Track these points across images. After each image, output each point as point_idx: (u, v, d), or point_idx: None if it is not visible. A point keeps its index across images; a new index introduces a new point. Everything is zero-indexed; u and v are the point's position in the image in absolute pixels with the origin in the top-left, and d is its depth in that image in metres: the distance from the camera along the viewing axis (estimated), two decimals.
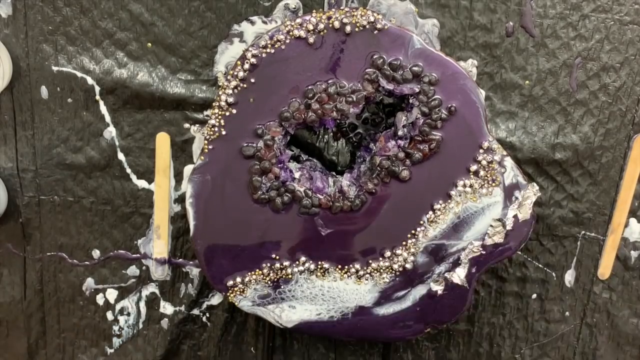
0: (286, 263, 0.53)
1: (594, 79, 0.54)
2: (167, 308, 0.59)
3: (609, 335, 0.61)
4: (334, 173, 0.54)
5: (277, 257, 0.53)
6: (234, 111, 0.49)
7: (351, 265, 0.53)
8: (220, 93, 0.50)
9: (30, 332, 0.59)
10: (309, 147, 0.56)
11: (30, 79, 0.53)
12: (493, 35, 0.53)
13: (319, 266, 0.53)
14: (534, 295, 0.59)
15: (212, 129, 0.50)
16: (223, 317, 0.59)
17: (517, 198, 0.51)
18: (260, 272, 0.53)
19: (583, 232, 0.58)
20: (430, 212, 0.51)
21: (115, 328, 0.59)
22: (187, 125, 0.55)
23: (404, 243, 0.52)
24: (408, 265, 0.53)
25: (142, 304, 0.59)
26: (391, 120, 0.53)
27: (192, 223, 0.52)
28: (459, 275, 0.53)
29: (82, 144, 0.55)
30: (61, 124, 0.54)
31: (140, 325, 0.59)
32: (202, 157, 0.51)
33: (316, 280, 0.53)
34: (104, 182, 0.56)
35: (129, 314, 0.59)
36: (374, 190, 0.51)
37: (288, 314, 0.54)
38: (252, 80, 0.49)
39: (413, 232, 0.52)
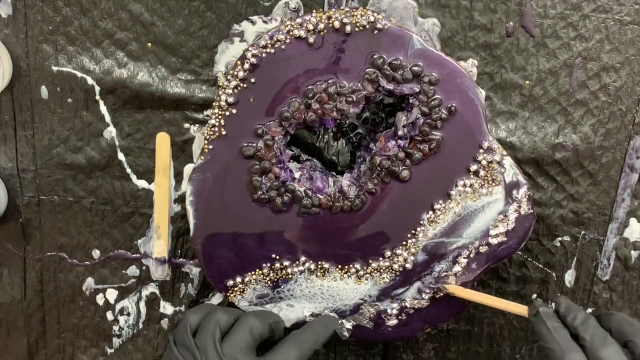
0: (286, 263, 0.53)
1: (594, 79, 0.54)
2: (167, 308, 0.59)
3: None
4: (334, 173, 0.54)
5: (277, 257, 0.53)
6: (234, 111, 0.49)
7: (351, 265, 0.53)
8: (220, 93, 0.50)
9: (30, 332, 0.59)
10: (309, 147, 0.56)
11: (30, 79, 0.53)
12: (493, 35, 0.53)
13: (319, 266, 0.53)
14: (534, 295, 0.59)
15: (212, 129, 0.50)
16: None
17: (516, 197, 0.51)
18: (260, 272, 0.53)
19: (583, 232, 0.58)
20: (431, 212, 0.51)
21: (115, 328, 0.59)
22: (187, 125, 0.55)
23: (404, 243, 0.52)
24: (408, 265, 0.53)
25: (142, 304, 0.59)
26: (391, 120, 0.53)
27: (192, 223, 0.52)
28: (454, 277, 0.53)
29: (82, 144, 0.55)
30: (61, 124, 0.54)
31: (140, 325, 0.59)
32: (202, 157, 0.51)
33: (316, 280, 0.53)
34: (104, 182, 0.56)
35: (129, 314, 0.59)
36: (374, 190, 0.51)
37: (286, 313, 0.54)
38: (252, 80, 0.49)
39: (413, 231, 0.52)
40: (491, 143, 0.50)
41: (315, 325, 0.51)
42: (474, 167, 0.51)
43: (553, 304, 0.51)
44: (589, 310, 0.60)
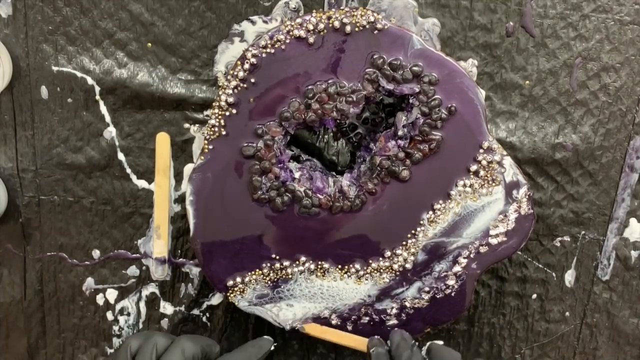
0: (286, 263, 0.53)
1: (594, 79, 0.54)
2: (167, 308, 0.59)
3: (609, 335, 0.61)
4: (334, 173, 0.54)
5: (277, 257, 0.53)
6: (234, 111, 0.50)
7: (351, 265, 0.53)
8: (220, 93, 0.50)
9: (30, 332, 0.59)
10: (309, 147, 0.56)
11: (30, 79, 0.53)
12: (493, 35, 0.53)
13: (319, 266, 0.53)
14: (534, 295, 0.59)
15: (212, 129, 0.50)
16: (223, 317, 0.59)
17: (516, 197, 0.51)
18: (260, 272, 0.53)
19: (583, 232, 0.58)
20: (431, 212, 0.51)
21: (115, 328, 0.59)
22: (187, 125, 0.55)
23: (404, 243, 0.52)
24: (408, 265, 0.53)
25: (142, 304, 0.59)
26: (391, 120, 0.53)
27: (192, 223, 0.52)
28: (455, 276, 0.53)
29: (82, 144, 0.55)
30: (61, 124, 0.54)
31: (140, 325, 0.59)
32: (202, 157, 0.51)
33: (316, 280, 0.53)
34: (104, 182, 0.56)
35: (129, 314, 0.59)
36: (374, 190, 0.51)
37: (285, 313, 0.54)
38: (252, 80, 0.49)
39: (413, 232, 0.52)
40: (491, 143, 0.50)
41: (247, 346, 0.52)
42: (474, 167, 0.51)
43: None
44: (427, 344, 0.60)
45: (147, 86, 0.53)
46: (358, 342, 0.55)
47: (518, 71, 0.54)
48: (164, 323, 0.59)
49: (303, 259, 0.53)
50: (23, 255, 0.57)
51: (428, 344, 0.54)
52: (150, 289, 0.58)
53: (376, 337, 0.54)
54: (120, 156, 0.55)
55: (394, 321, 0.55)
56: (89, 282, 0.58)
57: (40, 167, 0.55)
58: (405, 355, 0.50)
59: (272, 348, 0.53)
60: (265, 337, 0.54)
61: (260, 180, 0.50)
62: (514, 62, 0.53)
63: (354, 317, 0.55)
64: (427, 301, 0.54)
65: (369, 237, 0.52)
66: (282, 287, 0.54)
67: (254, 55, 0.48)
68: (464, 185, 0.51)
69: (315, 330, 0.55)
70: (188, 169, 0.55)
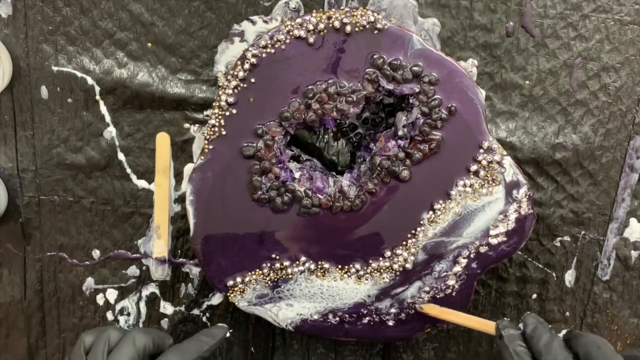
0: (286, 263, 0.53)
1: (594, 79, 0.54)
2: (167, 308, 0.59)
3: (609, 335, 0.61)
4: (334, 173, 0.54)
5: (277, 257, 0.53)
6: (234, 111, 0.49)
7: (351, 265, 0.53)
8: (220, 93, 0.50)
9: (30, 332, 0.59)
10: (309, 147, 0.56)
11: (30, 79, 0.53)
12: (493, 35, 0.53)
13: (319, 266, 0.53)
14: (534, 295, 0.59)
15: (212, 129, 0.50)
16: (223, 317, 0.59)
17: (516, 197, 0.51)
18: (260, 272, 0.53)
19: (583, 232, 0.58)
20: (431, 212, 0.51)
21: None
22: (187, 125, 0.55)
23: (404, 243, 0.52)
24: (408, 265, 0.53)
25: (142, 304, 0.59)
26: (391, 120, 0.53)
27: (192, 223, 0.52)
28: (455, 276, 0.53)
29: (82, 144, 0.55)
30: (61, 124, 0.54)
31: (140, 325, 0.59)
32: (202, 157, 0.51)
33: (316, 280, 0.53)
34: (104, 182, 0.56)
35: (129, 314, 0.59)
36: (374, 190, 0.51)
37: (285, 312, 0.54)
38: (252, 80, 0.49)
39: (413, 232, 0.52)
40: (491, 143, 0.50)
41: (200, 335, 0.51)
42: (474, 167, 0.51)
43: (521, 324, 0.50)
44: (563, 332, 0.59)
45: (147, 86, 0.53)
46: (481, 324, 0.52)
47: (518, 71, 0.54)
48: (164, 323, 0.59)
49: (303, 259, 0.53)
50: (23, 255, 0.57)
51: (565, 332, 0.50)
52: (150, 289, 0.58)
53: (506, 319, 0.50)
54: (120, 156, 0.55)
55: (394, 321, 0.55)
56: (89, 282, 0.58)
57: (40, 167, 0.55)
58: (544, 338, 0.47)
59: (227, 335, 0.53)
60: (220, 324, 0.53)
61: (260, 180, 0.50)
62: (514, 62, 0.53)
63: (353, 317, 0.55)
64: (427, 301, 0.54)
65: (369, 237, 0.52)
66: (282, 287, 0.54)
67: (254, 55, 0.48)
68: (464, 185, 0.51)
69: (434, 310, 0.54)
70: (188, 169, 0.55)
